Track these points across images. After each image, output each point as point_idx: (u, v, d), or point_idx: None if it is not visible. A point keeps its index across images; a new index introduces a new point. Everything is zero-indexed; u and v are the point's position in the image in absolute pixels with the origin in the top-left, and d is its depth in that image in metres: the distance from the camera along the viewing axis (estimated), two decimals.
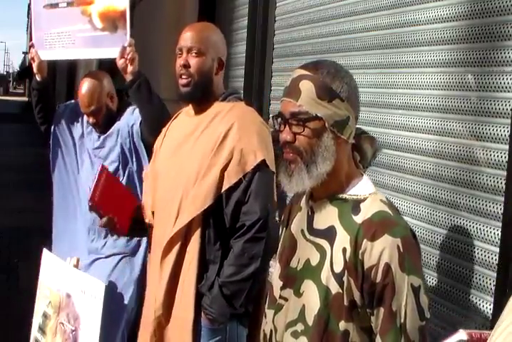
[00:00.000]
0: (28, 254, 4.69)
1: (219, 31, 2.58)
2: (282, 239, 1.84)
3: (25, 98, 52.82)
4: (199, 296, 2.36)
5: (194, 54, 2.46)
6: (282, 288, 1.74)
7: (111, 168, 3.26)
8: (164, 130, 2.64)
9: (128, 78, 3.01)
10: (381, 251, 1.53)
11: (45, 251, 3.14)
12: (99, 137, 3.35)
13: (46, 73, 3.43)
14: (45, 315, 3.01)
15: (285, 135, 1.62)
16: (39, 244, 3.44)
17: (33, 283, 3.16)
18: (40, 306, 3.07)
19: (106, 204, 2.50)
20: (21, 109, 37.26)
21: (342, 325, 1.58)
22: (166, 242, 2.39)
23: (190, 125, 2.51)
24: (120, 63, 3.02)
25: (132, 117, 3.24)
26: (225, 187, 2.32)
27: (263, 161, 2.32)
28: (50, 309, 2.97)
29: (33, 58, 3.43)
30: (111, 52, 3.09)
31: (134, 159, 3.25)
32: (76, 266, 2.92)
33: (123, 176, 3.26)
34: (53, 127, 3.53)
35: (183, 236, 2.37)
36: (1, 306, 5.21)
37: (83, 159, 3.44)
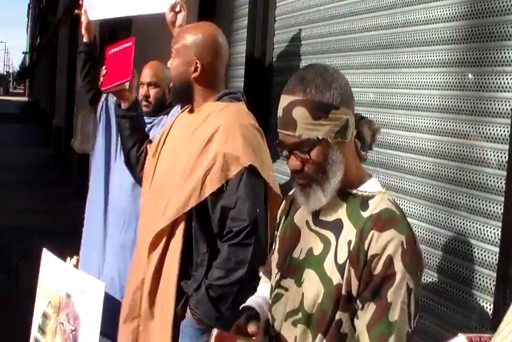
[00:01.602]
0: (28, 254, 4.69)
1: (212, 34, 2.51)
2: (281, 229, 1.85)
3: (25, 98, 52.80)
4: (181, 295, 2.36)
5: (172, 55, 2.52)
6: (282, 278, 1.74)
7: None
8: (170, 122, 2.65)
9: (176, 31, 2.98)
10: (386, 242, 1.54)
11: (45, 251, 3.14)
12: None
13: (93, 34, 3.44)
14: (45, 315, 3.01)
15: (293, 164, 1.63)
16: (39, 244, 3.44)
17: (33, 283, 3.16)
18: (40, 306, 3.07)
19: (111, 60, 2.79)
20: (21, 109, 37.32)
21: (338, 314, 1.59)
22: (150, 241, 2.40)
23: (186, 123, 2.53)
24: (169, 16, 3.03)
25: (177, 111, 3.27)
26: (208, 192, 2.31)
27: (250, 166, 2.31)
28: (50, 309, 2.97)
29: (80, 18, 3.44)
30: (159, 7, 3.12)
31: None
32: (76, 266, 2.93)
33: None
34: (101, 106, 3.51)
35: (167, 236, 2.38)
36: (1, 306, 5.22)
37: (119, 151, 3.36)
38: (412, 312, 1.55)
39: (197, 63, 2.47)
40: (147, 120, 3.34)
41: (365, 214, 1.61)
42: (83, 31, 3.44)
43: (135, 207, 3.20)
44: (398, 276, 1.53)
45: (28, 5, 60.35)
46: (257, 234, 2.29)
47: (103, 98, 3.51)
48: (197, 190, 2.31)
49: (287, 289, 1.72)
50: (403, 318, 1.53)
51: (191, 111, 2.53)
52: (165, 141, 2.60)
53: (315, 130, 1.58)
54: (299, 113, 1.58)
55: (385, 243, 1.54)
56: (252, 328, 1.66)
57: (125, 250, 3.26)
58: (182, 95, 2.52)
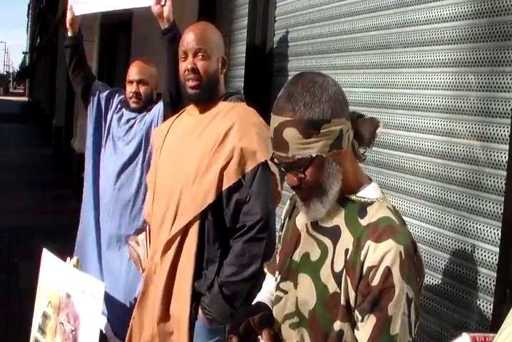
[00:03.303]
0: (28, 254, 4.69)
1: (217, 30, 2.58)
2: (284, 231, 1.84)
3: (25, 98, 52.81)
4: (195, 295, 2.36)
5: (200, 57, 2.44)
6: (282, 280, 1.74)
7: (130, 149, 3.39)
8: (166, 127, 2.64)
9: (164, 25, 2.97)
10: (384, 253, 1.52)
11: (45, 251, 3.14)
12: (128, 121, 3.46)
13: (78, 29, 3.52)
14: (45, 315, 3.01)
15: (290, 181, 1.62)
16: (39, 244, 3.45)
17: (33, 283, 3.17)
18: (40, 306, 3.07)
19: None
20: (21, 109, 37.34)
21: (337, 325, 1.58)
22: (165, 241, 2.40)
23: (191, 123, 2.51)
24: (155, 8, 2.99)
25: (160, 106, 3.33)
26: (225, 186, 2.33)
27: (264, 162, 2.32)
28: (50, 309, 2.97)
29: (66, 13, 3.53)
30: (145, 1, 3.10)
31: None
32: (76, 266, 2.93)
33: (141, 161, 3.36)
34: (91, 99, 3.62)
35: (181, 235, 2.38)
36: (1, 306, 5.21)
37: (106, 145, 3.53)
38: (413, 321, 1.53)
39: (224, 59, 2.51)
40: (129, 116, 3.44)
41: (363, 222, 1.58)
42: (68, 26, 3.51)
43: (119, 196, 3.32)
44: (397, 289, 1.50)
45: (28, 5, 60.36)
46: (269, 228, 2.30)
47: (95, 91, 3.61)
48: (215, 185, 2.32)
49: (286, 292, 1.72)
50: (404, 330, 1.51)
51: (200, 112, 2.50)
52: (162, 146, 2.58)
53: (308, 148, 1.55)
54: (290, 134, 1.54)
55: (382, 254, 1.52)
56: (265, 335, 1.67)
57: (112, 239, 3.35)
58: (210, 93, 2.47)
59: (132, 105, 3.45)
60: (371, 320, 1.52)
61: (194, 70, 2.43)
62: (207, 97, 2.47)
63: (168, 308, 2.40)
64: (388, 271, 1.51)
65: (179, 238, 2.38)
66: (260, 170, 2.33)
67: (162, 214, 2.45)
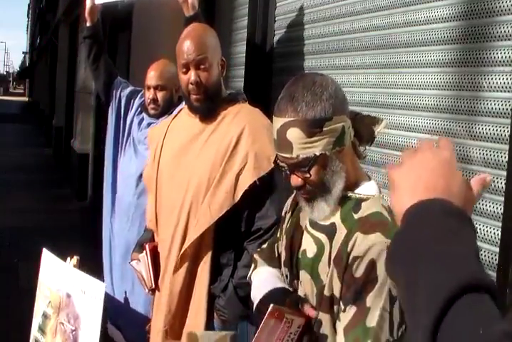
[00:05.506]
0: (28, 254, 4.69)
1: (212, 30, 2.54)
2: (286, 228, 1.83)
3: (25, 98, 52.82)
4: (211, 299, 2.36)
5: (203, 68, 2.37)
6: (292, 278, 1.74)
7: None
8: (164, 128, 2.61)
9: (189, 12, 2.95)
10: (370, 245, 1.51)
11: (45, 251, 3.13)
12: (149, 124, 3.32)
13: (96, 18, 3.44)
14: (45, 315, 3.00)
15: (294, 182, 1.62)
16: (39, 244, 3.44)
17: (33, 283, 3.16)
18: (40, 306, 3.06)
19: None
20: (21, 109, 37.36)
21: (319, 315, 1.58)
22: (180, 251, 2.38)
23: (194, 126, 2.46)
24: None
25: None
26: (241, 192, 2.30)
27: None
28: (50, 309, 2.97)
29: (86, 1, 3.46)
30: None
31: None
32: (76, 266, 2.92)
33: None
34: (113, 96, 3.49)
35: (197, 243, 2.36)
36: (1, 306, 5.21)
37: (126, 148, 3.40)
38: (395, 321, 1.50)
39: (222, 61, 2.45)
40: (150, 120, 3.33)
41: (356, 216, 1.59)
42: (87, 15, 3.42)
43: (139, 204, 3.21)
44: (379, 281, 1.49)
45: (28, 5, 60.38)
46: None
47: (117, 88, 3.49)
48: (231, 192, 2.30)
49: (296, 290, 1.72)
50: (381, 325, 1.49)
51: (202, 116, 2.46)
52: (161, 148, 2.54)
53: (312, 147, 1.56)
54: (293, 134, 1.55)
55: (368, 246, 1.51)
56: (310, 311, 1.62)
57: (128, 248, 3.27)
58: (215, 101, 2.42)
59: (151, 112, 3.30)
60: (351, 311, 1.52)
61: (198, 83, 2.36)
62: (212, 106, 2.42)
63: (185, 318, 2.39)
64: (372, 264, 1.50)
65: (194, 246, 2.35)
66: (274, 173, 2.31)
67: (174, 224, 2.41)
